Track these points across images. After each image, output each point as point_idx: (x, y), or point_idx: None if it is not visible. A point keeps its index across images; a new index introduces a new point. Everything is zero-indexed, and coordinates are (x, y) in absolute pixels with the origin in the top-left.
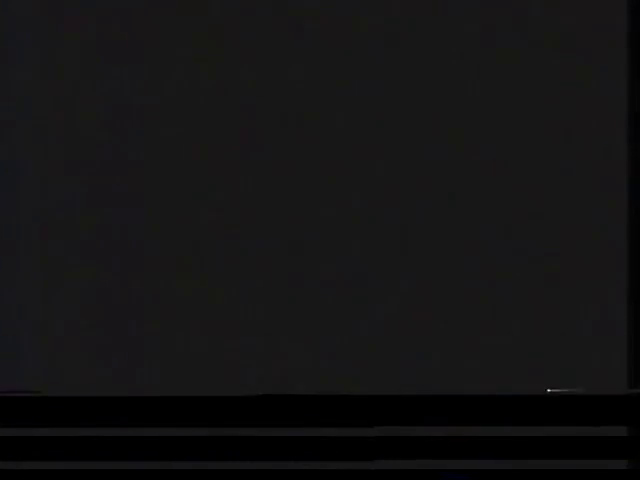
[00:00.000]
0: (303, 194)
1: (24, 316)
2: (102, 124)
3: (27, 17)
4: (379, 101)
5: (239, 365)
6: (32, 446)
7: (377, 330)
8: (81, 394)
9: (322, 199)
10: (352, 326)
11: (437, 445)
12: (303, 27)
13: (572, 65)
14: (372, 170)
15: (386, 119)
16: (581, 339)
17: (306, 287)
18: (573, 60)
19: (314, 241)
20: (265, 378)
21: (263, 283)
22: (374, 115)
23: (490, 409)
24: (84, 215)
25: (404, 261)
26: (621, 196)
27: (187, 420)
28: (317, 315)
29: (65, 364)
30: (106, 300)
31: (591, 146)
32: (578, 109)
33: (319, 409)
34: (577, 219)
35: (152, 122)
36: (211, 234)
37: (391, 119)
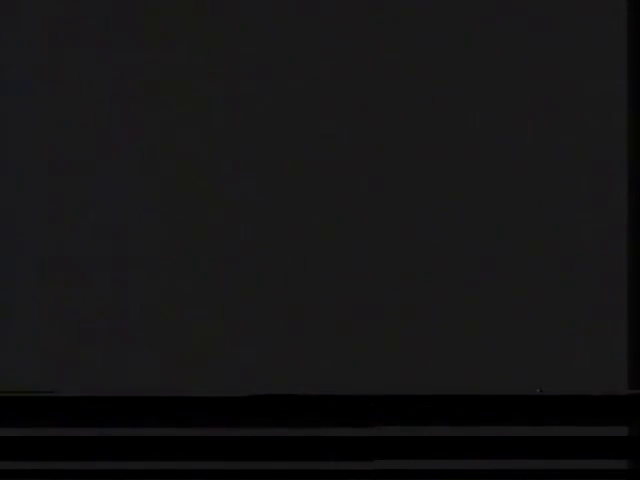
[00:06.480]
0: (302, 194)
1: (24, 316)
2: (100, 124)
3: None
4: (378, 100)
5: (239, 365)
6: (32, 446)
7: (377, 330)
8: (81, 394)
9: (322, 198)
10: (352, 326)
11: (437, 445)
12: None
13: (571, 65)
14: (371, 169)
15: (384, 118)
16: (581, 339)
17: (306, 287)
18: (572, 59)
19: (314, 239)
20: (265, 378)
21: (262, 282)
22: (374, 115)
23: (490, 409)
24: (84, 214)
25: (404, 260)
26: (621, 196)
27: (187, 420)
28: (317, 315)
29: (65, 364)
30: (106, 299)
31: (591, 146)
32: (577, 109)
33: (319, 409)
34: (577, 219)
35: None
36: (210, 231)
37: (389, 117)
